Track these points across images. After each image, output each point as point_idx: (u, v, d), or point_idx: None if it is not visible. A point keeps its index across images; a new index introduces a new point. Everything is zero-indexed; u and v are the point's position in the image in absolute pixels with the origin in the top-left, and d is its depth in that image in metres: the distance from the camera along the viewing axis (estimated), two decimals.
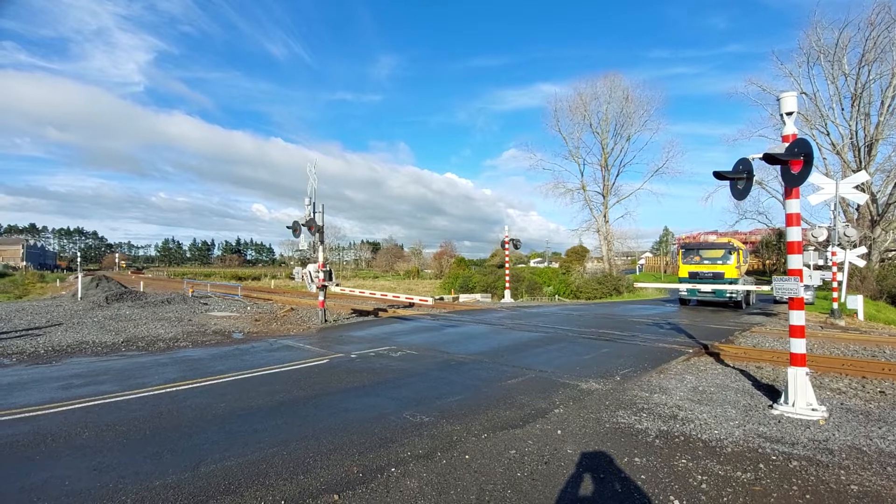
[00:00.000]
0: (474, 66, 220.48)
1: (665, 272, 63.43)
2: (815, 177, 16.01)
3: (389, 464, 4.13)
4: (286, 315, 16.52)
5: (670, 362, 8.75)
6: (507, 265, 26.70)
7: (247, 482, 3.76)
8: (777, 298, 7.15)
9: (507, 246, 26.08)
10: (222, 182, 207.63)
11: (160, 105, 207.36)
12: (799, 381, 5.69)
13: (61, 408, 5.77)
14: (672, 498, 3.55)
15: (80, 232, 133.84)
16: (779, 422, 5.37)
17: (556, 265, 51.18)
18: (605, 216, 43.39)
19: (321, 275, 14.31)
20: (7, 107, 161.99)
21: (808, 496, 3.60)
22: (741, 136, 42.88)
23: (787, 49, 49.25)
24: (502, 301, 25.58)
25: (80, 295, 23.51)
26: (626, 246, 50.74)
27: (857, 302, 17.11)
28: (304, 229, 14.06)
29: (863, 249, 18.54)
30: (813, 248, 18.43)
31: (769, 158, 5.65)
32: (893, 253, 32.88)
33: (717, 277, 20.24)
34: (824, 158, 33.63)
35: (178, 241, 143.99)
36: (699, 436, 4.90)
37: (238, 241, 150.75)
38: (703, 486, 3.76)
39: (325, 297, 14.96)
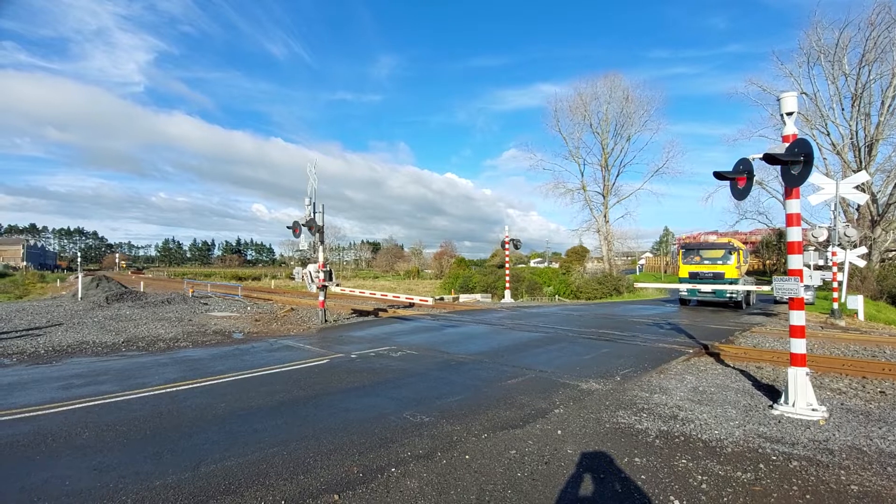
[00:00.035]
0: (474, 66, 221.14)
1: (665, 272, 63.46)
2: (815, 177, 16.02)
3: (389, 464, 4.14)
4: (286, 315, 16.52)
5: (670, 362, 8.75)
6: (507, 265, 26.72)
7: (247, 482, 3.76)
8: (777, 298, 7.16)
9: (507, 246, 26.10)
10: (222, 182, 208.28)
11: (160, 105, 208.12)
12: (799, 382, 5.69)
13: (61, 408, 5.77)
14: (672, 498, 3.55)
15: (80, 232, 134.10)
16: (779, 422, 5.37)
17: (556, 265, 51.25)
18: (605, 216, 43.43)
19: (321, 275, 14.31)
20: (7, 107, 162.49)
21: (808, 496, 3.60)
22: (741, 136, 42.96)
23: (787, 49, 49.26)
24: (502, 301, 25.59)
25: (80, 295, 23.50)
26: (627, 246, 50.86)
27: (857, 302, 17.10)
28: (305, 229, 14.06)
29: (863, 249, 18.54)
30: (813, 248, 18.42)
31: (769, 158, 5.65)
32: (894, 253, 32.87)
33: (718, 277, 20.23)
34: (824, 158, 33.69)
35: (178, 242, 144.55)
36: (699, 436, 4.90)
37: (238, 242, 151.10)
38: (704, 486, 3.76)
39: (325, 297, 14.96)
